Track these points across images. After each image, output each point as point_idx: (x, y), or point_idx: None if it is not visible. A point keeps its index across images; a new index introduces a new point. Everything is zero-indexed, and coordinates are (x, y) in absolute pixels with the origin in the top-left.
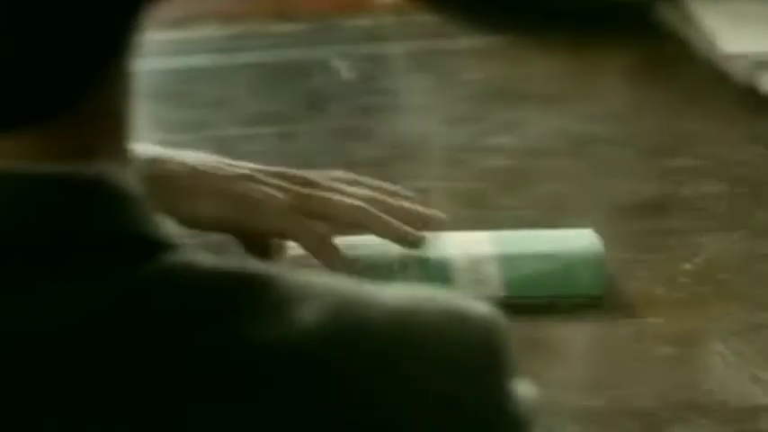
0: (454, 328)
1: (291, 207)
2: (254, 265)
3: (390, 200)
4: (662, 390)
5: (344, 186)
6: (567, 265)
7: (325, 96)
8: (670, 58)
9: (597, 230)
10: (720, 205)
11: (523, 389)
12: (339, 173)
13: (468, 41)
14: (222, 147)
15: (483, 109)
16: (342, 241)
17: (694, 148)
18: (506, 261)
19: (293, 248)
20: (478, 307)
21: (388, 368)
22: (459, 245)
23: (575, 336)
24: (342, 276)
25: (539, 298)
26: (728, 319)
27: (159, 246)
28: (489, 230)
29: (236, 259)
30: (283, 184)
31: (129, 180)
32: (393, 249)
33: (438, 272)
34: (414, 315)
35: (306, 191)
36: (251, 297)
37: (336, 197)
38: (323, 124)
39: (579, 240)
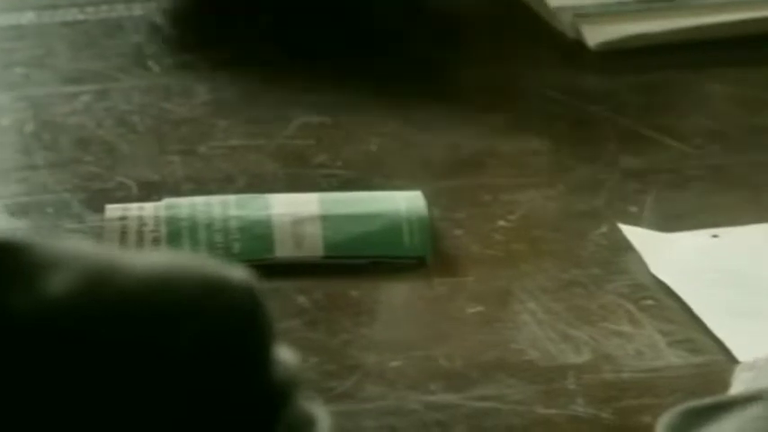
0: (211, 296)
1: None
2: (9, 231)
3: None
4: (471, 349)
5: None
6: (390, 227)
7: (147, 53)
8: (495, 11)
9: (415, 187)
10: (539, 161)
11: (285, 356)
12: None
13: None
14: (38, 106)
15: (305, 64)
16: (165, 202)
17: (516, 103)
18: (329, 221)
19: (111, 210)
20: (237, 274)
21: (140, 340)
22: (284, 206)
23: (385, 295)
24: (103, 244)
25: (360, 258)
26: (541, 277)
27: None
28: (310, 189)
29: None
30: None
31: None
32: (215, 209)
33: (259, 232)
34: (168, 284)
35: None
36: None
37: None
38: (142, 82)
39: (405, 202)
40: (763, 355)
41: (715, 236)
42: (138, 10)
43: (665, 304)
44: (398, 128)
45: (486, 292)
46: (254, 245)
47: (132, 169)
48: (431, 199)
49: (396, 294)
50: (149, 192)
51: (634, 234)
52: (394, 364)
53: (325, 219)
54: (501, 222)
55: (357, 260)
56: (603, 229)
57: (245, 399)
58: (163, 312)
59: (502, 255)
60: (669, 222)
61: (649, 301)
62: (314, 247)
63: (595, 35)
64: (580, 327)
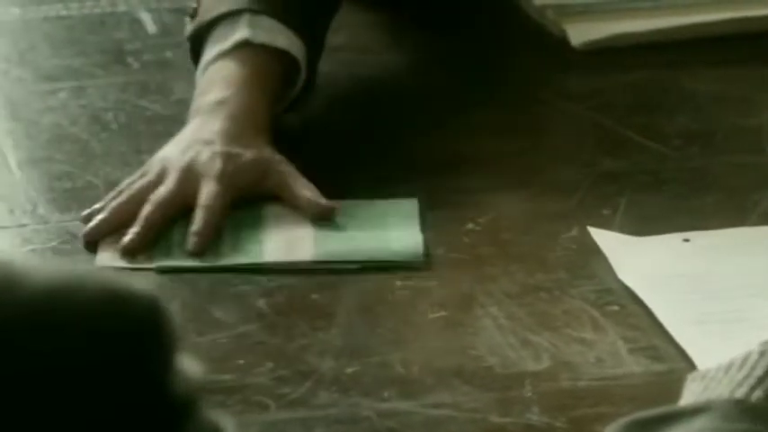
0: (113, 308)
1: None
2: None
3: None
4: (429, 355)
5: None
6: (381, 235)
7: (127, 50)
8: (485, 9)
9: (387, 187)
10: (517, 162)
11: (189, 366)
12: None
13: None
14: (14, 104)
15: None
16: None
17: (499, 103)
18: (321, 227)
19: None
20: (139, 286)
21: (35, 351)
22: (278, 211)
23: (346, 299)
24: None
25: (350, 263)
26: (506, 281)
27: None
28: None
29: None
30: None
31: None
32: None
33: (250, 235)
34: (70, 295)
35: None
36: None
37: None
38: (120, 79)
39: (397, 209)
40: (714, 366)
41: (686, 240)
42: (121, 6)
43: (630, 310)
44: (379, 126)
45: (449, 296)
46: (243, 248)
47: (102, 168)
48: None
49: (357, 298)
50: None
51: (603, 238)
52: (349, 370)
53: (318, 224)
54: (470, 225)
55: (347, 265)
56: (574, 232)
57: (144, 410)
58: (59, 324)
59: (468, 258)
60: (642, 225)
61: (615, 307)
62: (304, 251)
63: (580, 34)
64: (541, 333)
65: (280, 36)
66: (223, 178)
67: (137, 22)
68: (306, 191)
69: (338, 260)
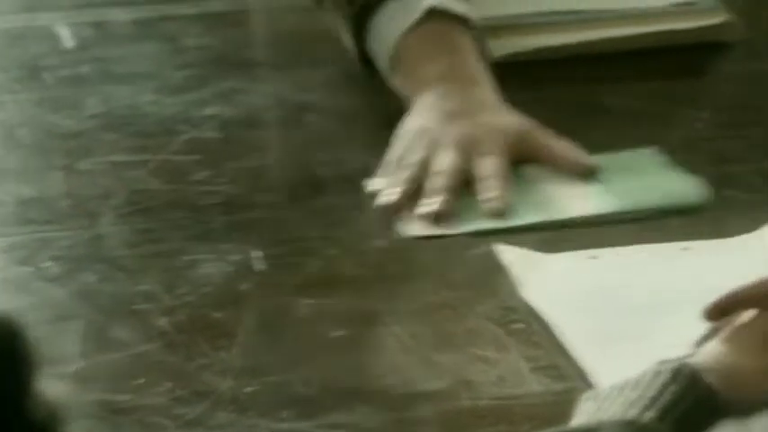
0: None
1: None
2: None
3: None
4: (329, 375)
5: None
6: (656, 181)
7: (42, 65)
8: None
9: (295, 200)
10: None
11: (51, 389)
12: None
13: (194, 7)
14: None
15: (202, 77)
16: None
17: None
18: (592, 181)
19: None
20: None
21: None
22: (536, 171)
23: (248, 318)
24: None
25: (637, 212)
26: (411, 299)
27: None
28: (189, 206)
29: None
30: None
31: None
32: None
33: (526, 196)
34: None
35: None
36: None
37: None
38: (32, 95)
39: (650, 157)
40: (608, 385)
41: (593, 257)
42: (40, 20)
43: (534, 328)
44: (287, 142)
45: (353, 314)
46: (529, 209)
47: (14, 185)
48: (309, 219)
49: (259, 317)
50: (26, 208)
51: (509, 254)
52: (248, 389)
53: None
54: (378, 241)
55: (634, 215)
56: (482, 248)
57: None
58: None
59: (374, 274)
60: (554, 242)
61: (519, 325)
62: (586, 206)
63: (501, 47)
64: (444, 351)
65: (457, 3)
66: (497, 148)
67: (55, 37)
68: (565, 150)
69: (624, 211)
